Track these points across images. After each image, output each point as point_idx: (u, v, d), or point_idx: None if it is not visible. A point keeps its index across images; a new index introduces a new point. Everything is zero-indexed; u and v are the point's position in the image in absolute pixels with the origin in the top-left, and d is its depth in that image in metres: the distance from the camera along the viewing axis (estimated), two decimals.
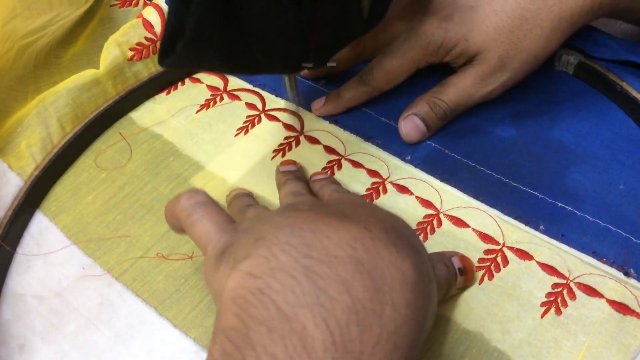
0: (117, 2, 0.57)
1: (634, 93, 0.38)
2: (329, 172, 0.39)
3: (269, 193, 0.38)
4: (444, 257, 0.31)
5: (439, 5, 0.38)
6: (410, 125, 0.39)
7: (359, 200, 0.26)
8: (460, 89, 0.38)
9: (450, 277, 0.30)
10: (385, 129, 0.41)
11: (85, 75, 0.43)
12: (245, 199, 0.35)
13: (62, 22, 0.50)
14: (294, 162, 0.38)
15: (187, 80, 0.47)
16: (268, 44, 0.29)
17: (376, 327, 0.19)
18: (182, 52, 0.28)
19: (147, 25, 0.47)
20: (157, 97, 0.46)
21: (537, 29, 0.36)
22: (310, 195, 0.35)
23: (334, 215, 0.23)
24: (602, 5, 0.36)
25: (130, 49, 0.45)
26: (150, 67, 0.46)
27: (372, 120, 0.42)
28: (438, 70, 0.41)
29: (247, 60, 0.30)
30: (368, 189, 0.38)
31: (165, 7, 0.47)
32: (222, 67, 0.31)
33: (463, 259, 0.31)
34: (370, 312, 0.19)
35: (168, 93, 0.46)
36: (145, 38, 0.46)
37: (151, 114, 0.45)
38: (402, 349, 0.19)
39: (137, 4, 0.55)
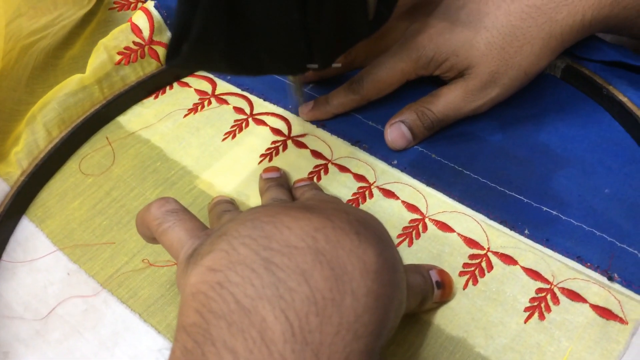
0: (115, 5, 0.57)
1: (620, 96, 0.38)
2: (315, 177, 0.39)
3: (255, 198, 0.38)
4: (422, 269, 0.31)
5: (431, 19, 0.38)
6: (396, 132, 0.39)
7: (330, 199, 0.26)
8: (449, 101, 0.39)
9: (426, 288, 0.30)
10: (372, 133, 0.41)
11: (72, 80, 0.43)
12: (224, 206, 0.35)
13: (64, 22, 0.51)
14: (277, 169, 0.38)
15: (175, 85, 0.47)
16: (273, 45, 0.30)
17: (336, 317, 0.19)
18: (187, 53, 0.28)
19: (136, 29, 0.47)
20: (145, 101, 0.46)
21: (528, 46, 0.36)
22: (289, 200, 0.35)
23: (297, 208, 0.22)
24: (592, 25, 0.36)
25: (119, 53, 0.45)
26: (138, 71, 0.46)
27: (360, 124, 0.42)
28: (430, 81, 0.41)
29: (252, 61, 0.30)
30: (354, 194, 0.38)
31: (154, 12, 0.47)
32: (227, 68, 0.31)
33: (442, 273, 0.31)
34: (329, 302, 0.19)
35: (156, 97, 0.46)
36: (134, 42, 0.46)
37: (139, 118, 0.44)
38: (364, 338, 0.19)
39: (135, 8, 0.55)
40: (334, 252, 0.20)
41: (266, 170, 0.38)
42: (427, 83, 0.41)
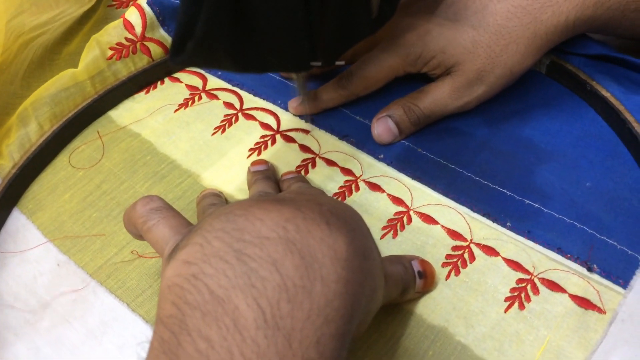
0: (114, 3, 0.58)
1: (603, 92, 0.39)
2: (302, 171, 0.39)
3: (243, 191, 0.38)
4: (404, 259, 0.31)
5: (420, 17, 0.39)
6: (382, 127, 0.40)
7: (310, 191, 0.27)
8: (436, 97, 0.39)
9: (407, 278, 0.30)
10: (360, 128, 0.42)
11: (64, 74, 0.43)
12: (211, 199, 0.35)
13: (65, 19, 0.51)
14: (264, 162, 0.39)
15: (166, 80, 0.48)
16: (277, 43, 0.30)
17: (307, 303, 0.20)
18: (192, 51, 0.28)
19: (128, 25, 0.47)
20: (136, 96, 0.46)
21: (513, 45, 0.37)
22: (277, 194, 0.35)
23: (270, 201, 0.23)
24: (576, 25, 0.37)
25: (111, 49, 0.46)
26: (129, 67, 0.46)
27: (348, 119, 0.43)
28: (418, 78, 0.41)
29: (256, 59, 0.30)
30: (341, 187, 0.38)
31: (147, 9, 0.47)
32: (232, 66, 0.31)
33: (423, 263, 0.32)
34: (300, 289, 0.20)
35: (147, 92, 0.47)
36: (126, 38, 0.47)
37: (130, 113, 0.45)
38: (334, 322, 0.20)
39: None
40: (304, 241, 0.21)
41: (254, 163, 0.39)
42: (415, 80, 0.42)
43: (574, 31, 0.38)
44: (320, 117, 0.43)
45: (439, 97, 0.39)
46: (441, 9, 0.39)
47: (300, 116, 0.43)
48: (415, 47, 0.39)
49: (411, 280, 0.31)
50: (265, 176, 0.37)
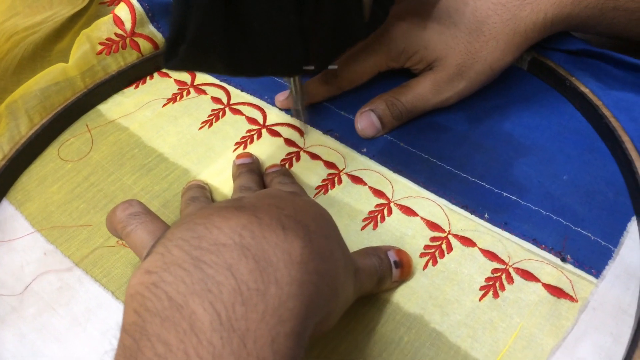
0: (106, 0, 0.59)
1: (582, 88, 0.40)
2: (287, 164, 0.40)
3: (228, 183, 0.39)
4: (379, 251, 0.32)
5: (404, 13, 0.40)
6: (366, 121, 0.41)
7: (280, 194, 0.27)
8: (418, 92, 0.40)
9: (382, 269, 0.31)
10: (344, 122, 0.42)
11: (54, 69, 0.44)
12: (194, 191, 0.36)
13: (58, 19, 0.52)
14: (249, 155, 0.39)
15: (155, 75, 0.48)
16: (269, 47, 0.30)
17: (261, 305, 0.20)
18: (184, 55, 0.28)
19: (118, 21, 0.48)
20: (125, 90, 0.47)
21: (493, 41, 0.38)
22: (259, 189, 0.36)
23: (231, 207, 0.24)
24: (554, 23, 0.38)
25: (100, 44, 0.46)
26: (119, 62, 0.47)
27: (332, 114, 0.43)
28: (401, 72, 0.42)
29: (249, 63, 0.31)
30: (324, 180, 0.39)
31: (136, 5, 0.48)
32: (225, 70, 0.31)
33: (400, 252, 0.32)
34: (254, 292, 0.21)
35: (136, 87, 0.48)
36: (115, 34, 0.47)
37: (119, 107, 0.46)
38: (289, 322, 0.21)
39: None
40: (259, 246, 0.22)
41: (239, 156, 0.39)
42: (399, 75, 0.42)
43: (552, 29, 0.39)
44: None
45: (421, 91, 0.40)
46: (424, 6, 0.40)
47: (286, 110, 0.44)
48: (398, 42, 0.39)
49: (387, 270, 0.31)
50: (249, 169, 0.38)
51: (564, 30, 0.41)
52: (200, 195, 0.36)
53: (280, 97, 0.44)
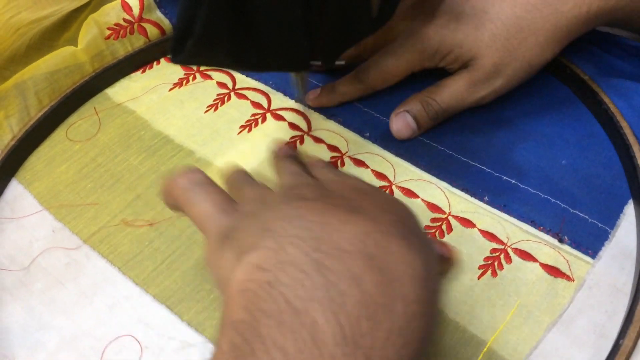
0: None
1: (582, 75, 0.40)
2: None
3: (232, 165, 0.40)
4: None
5: (438, 12, 0.38)
6: (401, 122, 0.40)
7: (361, 185, 0.26)
8: (453, 91, 0.39)
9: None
10: (347, 108, 0.43)
11: (63, 52, 0.45)
12: (242, 176, 0.33)
13: (65, 11, 0.52)
14: (289, 145, 0.37)
15: (162, 60, 0.49)
16: (276, 43, 0.30)
17: (387, 322, 0.19)
18: (192, 49, 0.28)
19: (126, 7, 0.49)
20: (132, 75, 0.48)
21: (532, 37, 0.36)
22: (309, 175, 0.33)
23: (342, 207, 0.22)
24: (598, 15, 0.36)
25: (108, 29, 0.47)
26: (127, 46, 0.48)
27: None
28: (435, 73, 0.41)
29: (256, 58, 0.30)
30: None
31: None
32: (232, 64, 0.30)
33: (442, 245, 0.30)
34: (381, 307, 0.19)
35: (143, 71, 0.48)
36: (124, 19, 0.48)
37: (126, 91, 0.47)
38: (413, 344, 0.19)
39: None
40: (383, 257, 0.20)
41: (280, 147, 0.36)
42: (430, 75, 0.41)
43: (595, 23, 0.37)
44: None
45: (457, 91, 0.39)
46: (458, 3, 0.38)
47: (291, 95, 0.44)
48: (432, 41, 0.38)
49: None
50: (294, 157, 0.35)
51: (606, 25, 0.39)
52: (251, 180, 0.32)
53: (312, 95, 0.43)
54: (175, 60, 0.29)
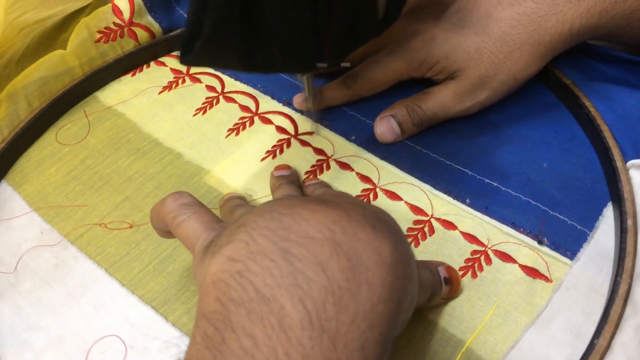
0: None
1: (565, 79, 0.41)
2: (277, 150, 0.41)
3: (222, 171, 0.40)
4: (431, 265, 0.31)
5: (426, 23, 0.40)
6: (385, 126, 0.40)
7: (344, 194, 0.27)
8: (439, 100, 0.39)
9: (434, 284, 0.30)
10: (334, 112, 0.44)
11: (54, 55, 0.45)
12: (236, 201, 0.35)
13: (67, 12, 0.53)
14: (288, 167, 0.39)
15: (152, 63, 0.50)
16: (284, 44, 0.30)
17: (352, 307, 0.20)
18: (200, 51, 0.28)
19: (117, 11, 0.49)
20: (122, 78, 0.49)
21: (517, 52, 0.37)
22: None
23: (314, 201, 0.23)
24: (581, 32, 0.37)
25: (99, 32, 0.48)
26: (117, 50, 0.48)
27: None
28: (422, 82, 0.42)
29: (264, 59, 0.31)
30: (313, 166, 0.40)
31: None
32: (239, 66, 0.31)
33: (449, 269, 0.32)
34: (346, 292, 0.20)
35: (133, 75, 0.49)
36: (114, 23, 0.49)
37: (116, 94, 0.47)
38: (379, 327, 0.20)
39: None
40: (350, 244, 0.21)
41: (277, 168, 0.39)
42: (419, 83, 0.42)
43: (577, 39, 0.38)
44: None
45: (442, 100, 0.39)
46: (447, 15, 0.40)
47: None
48: (420, 52, 0.39)
49: (438, 286, 0.31)
50: (290, 181, 0.37)
51: (588, 40, 0.40)
52: (244, 204, 0.35)
53: (298, 98, 0.44)
54: (183, 61, 0.30)
